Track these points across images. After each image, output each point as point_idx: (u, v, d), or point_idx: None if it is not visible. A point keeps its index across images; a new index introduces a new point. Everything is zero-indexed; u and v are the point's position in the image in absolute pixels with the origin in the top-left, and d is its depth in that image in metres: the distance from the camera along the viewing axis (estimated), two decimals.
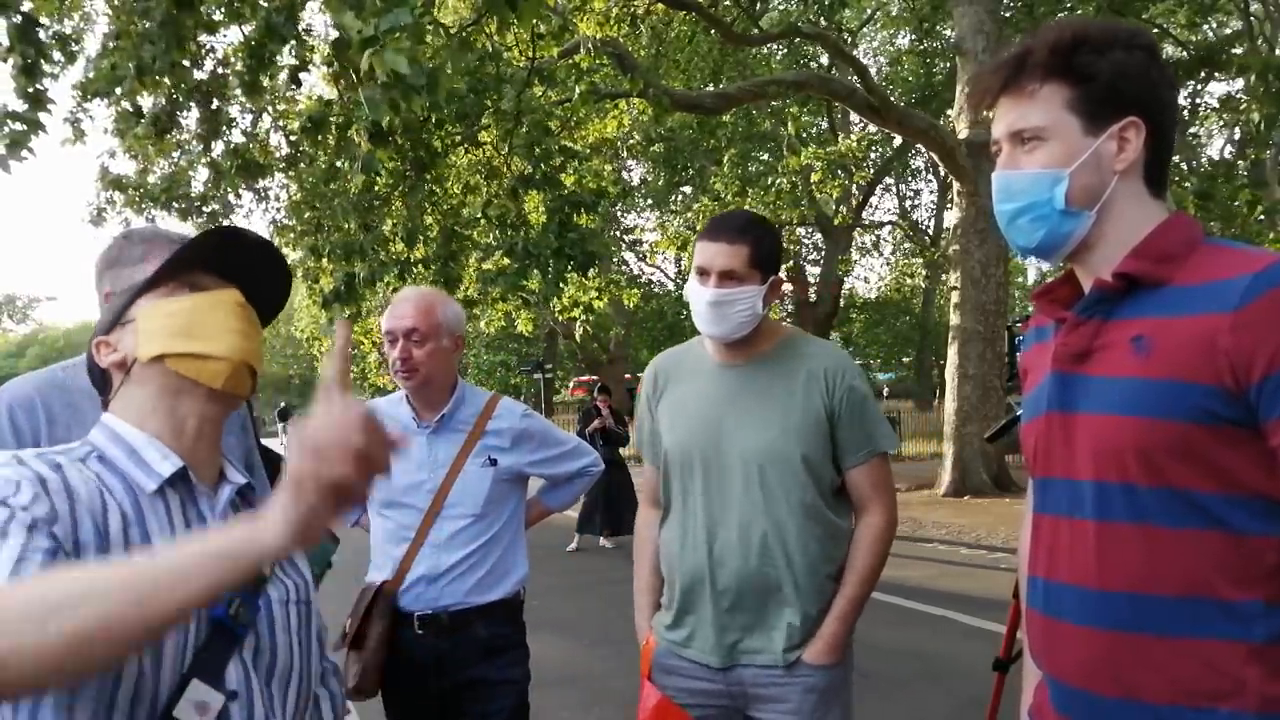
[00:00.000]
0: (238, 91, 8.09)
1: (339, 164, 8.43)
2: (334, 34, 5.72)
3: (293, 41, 6.31)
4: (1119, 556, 1.20)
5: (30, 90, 5.59)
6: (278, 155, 9.62)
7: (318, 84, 8.99)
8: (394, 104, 4.58)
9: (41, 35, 5.64)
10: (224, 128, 7.86)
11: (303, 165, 9.42)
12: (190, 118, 7.61)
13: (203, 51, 6.70)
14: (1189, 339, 1.15)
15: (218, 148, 8.07)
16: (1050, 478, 1.30)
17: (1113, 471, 1.20)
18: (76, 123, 8.93)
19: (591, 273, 11.14)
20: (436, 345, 2.38)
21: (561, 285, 10.75)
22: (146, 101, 6.82)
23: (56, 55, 6.45)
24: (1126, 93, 1.23)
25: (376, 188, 9.14)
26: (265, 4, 6.17)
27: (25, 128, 5.57)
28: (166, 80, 6.28)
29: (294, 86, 7.28)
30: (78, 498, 1.04)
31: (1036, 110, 1.26)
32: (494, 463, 2.42)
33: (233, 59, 8.31)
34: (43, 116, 5.64)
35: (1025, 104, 1.27)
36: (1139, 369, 1.18)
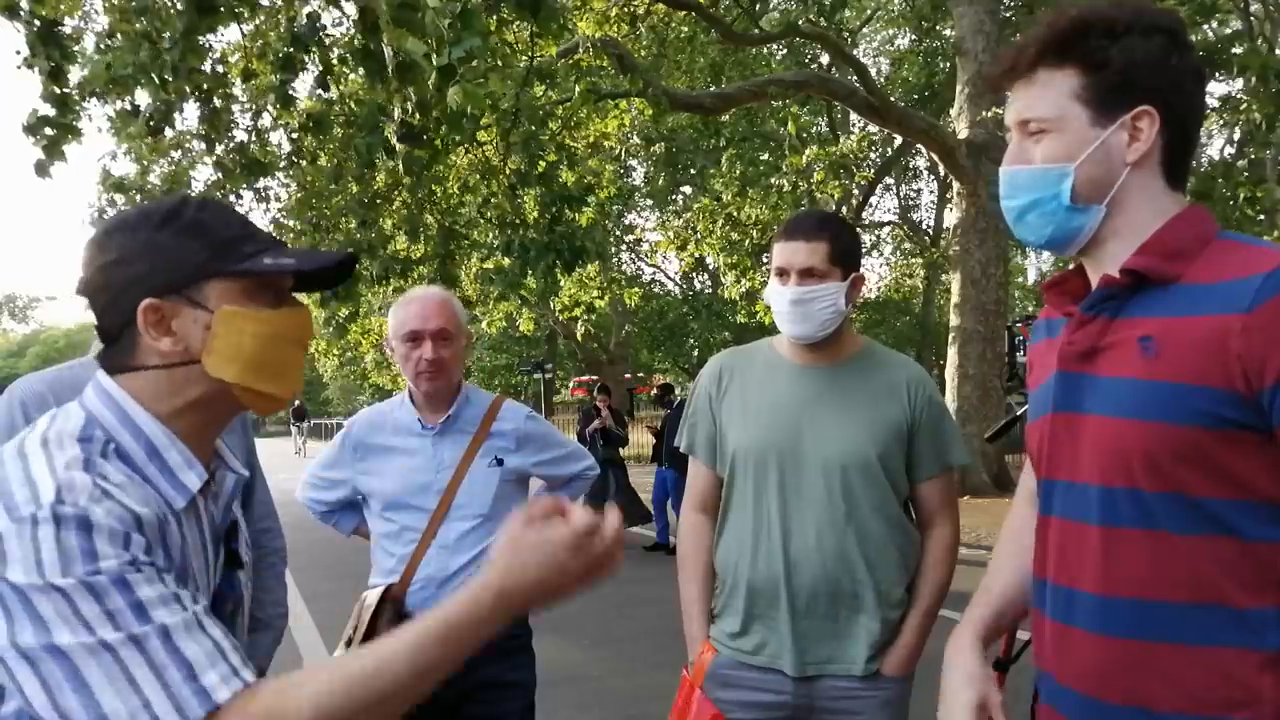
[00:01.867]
0: (237, 91, 8.10)
1: (347, 161, 8.44)
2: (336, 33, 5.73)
3: (315, 48, 6.32)
4: (1126, 562, 1.17)
5: (58, 94, 5.62)
6: (280, 154, 9.62)
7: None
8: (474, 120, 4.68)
9: (63, 38, 5.66)
10: (225, 128, 7.86)
11: (305, 164, 9.41)
12: (189, 117, 7.63)
13: (206, 52, 6.68)
14: (1199, 340, 1.11)
15: (220, 147, 8.08)
16: (1055, 480, 1.27)
17: (1119, 476, 1.16)
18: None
19: (592, 270, 11.13)
20: (459, 345, 2.38)
21: (556, 281, 10.72)
22: (143, 99, 6.84)
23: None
24: (1139, 81, 1.17)
25: (375, 186, 9.14)
26: (291, 9, 6.19)
27: (57, 132, 5.61)
28: (182, 84, 6.29)
29: (321, 91, 7.29)
30: (151, 527, 0.99)
31: (1044, 99, 1.21)
32: (500, 463, 2.40)
33: (230, 57, 8.30)
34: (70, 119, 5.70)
35: (1034, 91, 1.22)
36: (1146, 370, 1.14)
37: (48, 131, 5.62)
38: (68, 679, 0.88)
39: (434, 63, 4.23)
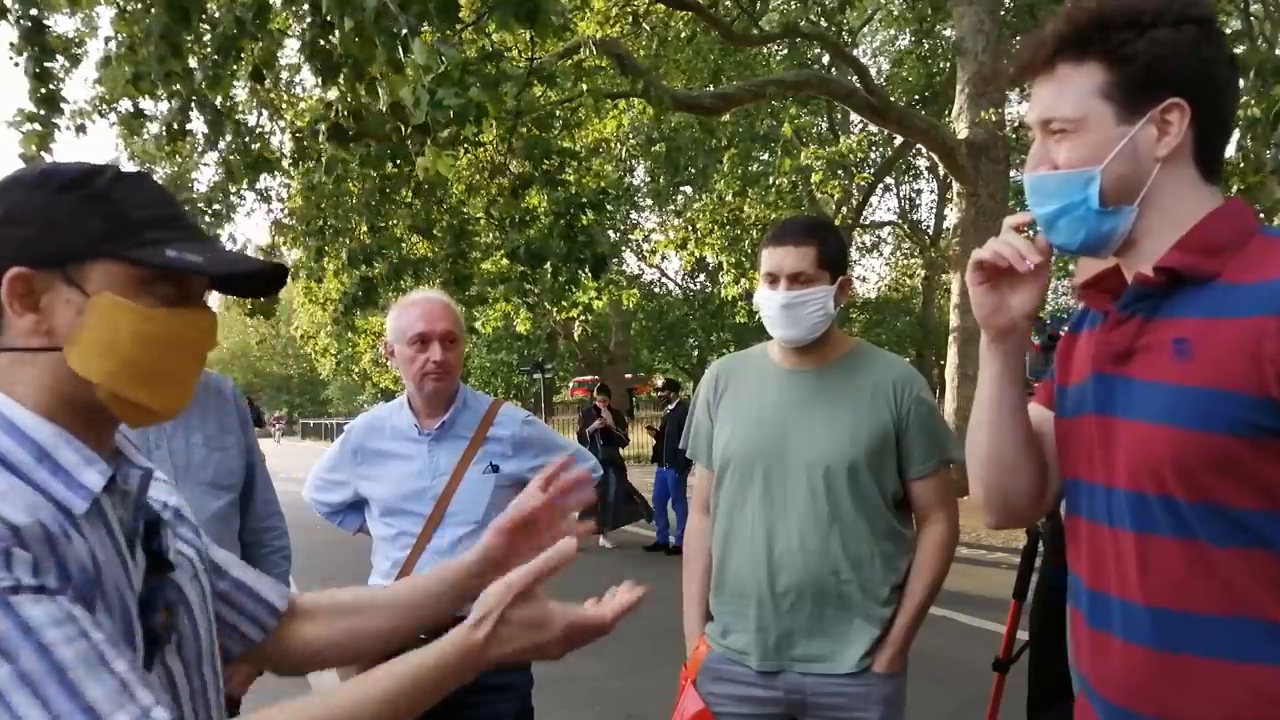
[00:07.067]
0: (241, 93, 8.14)
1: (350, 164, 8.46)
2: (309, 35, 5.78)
3: (261, 42, 6.35)
4: (1162, 571, 1.12)
5: (43, 93, 5.67)
6: (282, 153, 9.62)
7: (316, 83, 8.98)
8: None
9: (49, 38, 5.71)
10: (228, 128, 7.89)
11: (311, 164, 9.42)
12: (199, 121, 7.64)
13: (187, 54, 6.73)
14: (1233, 343, 1.05)
15: (221, 145, 8.10)
16: (1089, 481, 1.22)
17: (1152, 483, 1.11)
18: (81, 114, 9.04)
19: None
20: (461, 348, 2.41)
21: (572, 289, 10.65)
22: (149, 105, 6.88)
23: (60, 59, 6.48)
24: (1167, 73, 1.11)
25: (370, 186, 9.12)
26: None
27: (42, 129, 5.68)
28: (173, 88, 6.32)
29: (253, 82, 7.39)
30: (38, 541, 0.83)
31: (1066, 98, 1.15)
32: (496, 469, 2.40)
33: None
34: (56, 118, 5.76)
35: (1055, 89, 1.17)
36: (1179, 375, 1.09)
37: (33, 127, 5.68)
38: None
39: (414, 116, 4.33)
